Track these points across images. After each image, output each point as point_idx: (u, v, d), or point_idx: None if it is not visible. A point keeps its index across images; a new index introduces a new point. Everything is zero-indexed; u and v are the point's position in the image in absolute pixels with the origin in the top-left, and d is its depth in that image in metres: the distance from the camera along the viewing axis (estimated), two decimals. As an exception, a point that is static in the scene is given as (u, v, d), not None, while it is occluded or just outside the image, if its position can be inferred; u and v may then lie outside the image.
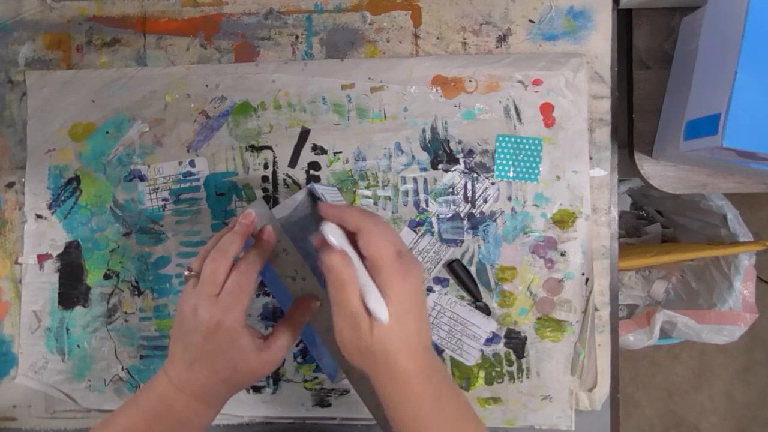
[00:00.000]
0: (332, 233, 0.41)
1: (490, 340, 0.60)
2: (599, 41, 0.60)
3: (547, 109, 0.60)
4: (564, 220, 0.60)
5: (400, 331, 0.40)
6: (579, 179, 0.59)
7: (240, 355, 0.44)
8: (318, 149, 0.61)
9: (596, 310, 0.60)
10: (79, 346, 0.62)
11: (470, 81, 0.60)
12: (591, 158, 0.60)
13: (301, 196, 0.52)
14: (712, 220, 1.07)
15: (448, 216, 0.60)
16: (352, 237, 0.41)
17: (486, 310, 0.60)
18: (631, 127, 0.63)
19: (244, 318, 0.44)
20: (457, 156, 0.60)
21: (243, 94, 0.61)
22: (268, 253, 0.48)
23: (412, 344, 0.41)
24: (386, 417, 0.42)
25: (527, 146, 0.60)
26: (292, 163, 0.61)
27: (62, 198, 0.62)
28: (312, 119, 0.61)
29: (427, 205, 0.60)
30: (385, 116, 0.61)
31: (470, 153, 0.60)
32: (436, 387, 0.42)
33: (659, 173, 0.63)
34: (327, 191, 0.55)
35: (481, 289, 0.60)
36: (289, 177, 0.61)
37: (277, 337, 0.46)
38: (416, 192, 0.60)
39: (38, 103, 0.62)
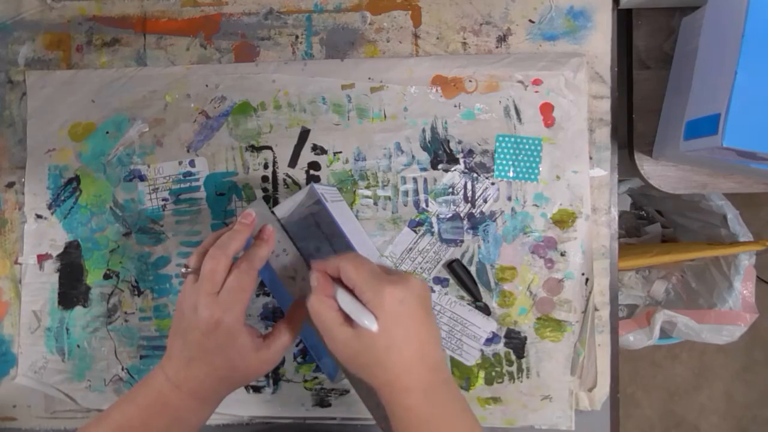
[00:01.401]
0: (312, 279, 0.43)
1: (490, 340, 0.60)
2: (599, 41, 0.60)
3: (547, 109, 0.60)
4: (564, 220, 0.60)
5: (389, 341, 0.40)
6: (579, 179, 0.59)
7: (239, 354, 0.44)
8: (318, 149, 0.61)
9: (596, 310, 0.60)
10: (79, 346, 0.62)
11: (470, 81, 0.60)
12: (591, 158, 0.60)
13: (301, 196, 0.52)
14: (712, 220, 1.07)
15: (448, 216, 0.60)
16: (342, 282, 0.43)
17: (486, 310, 0.60)
18: (631, 127, 0.63)
19: (244, 317, 0.44)
20: (457, 156, 0.60)
21: (243, 94, 0.61)
22: (268, 253, 0.48)
23: (407, 357, 0.40)
24: (386, 417, 0.42)
25: (527, 146, 0.60)
26: (292, 163, 0.61)
27: (62, 198, 0.62)
28: (312, 119, 0.61)
29: (427, 205, 0.60)
30: (385, 116, 0.61)
31: (470, 153, 0.60)
32: (436, 405, 0.41)
33: (659, 173, 0.63)
34: (327, 191, 0.55)
35: (481, 289, 0.60)
36: (289, 177, 0.61)
37: (276, 337, 0.46)
38: (416, 192, 0.60)
39: (38, 103, 0.62)
